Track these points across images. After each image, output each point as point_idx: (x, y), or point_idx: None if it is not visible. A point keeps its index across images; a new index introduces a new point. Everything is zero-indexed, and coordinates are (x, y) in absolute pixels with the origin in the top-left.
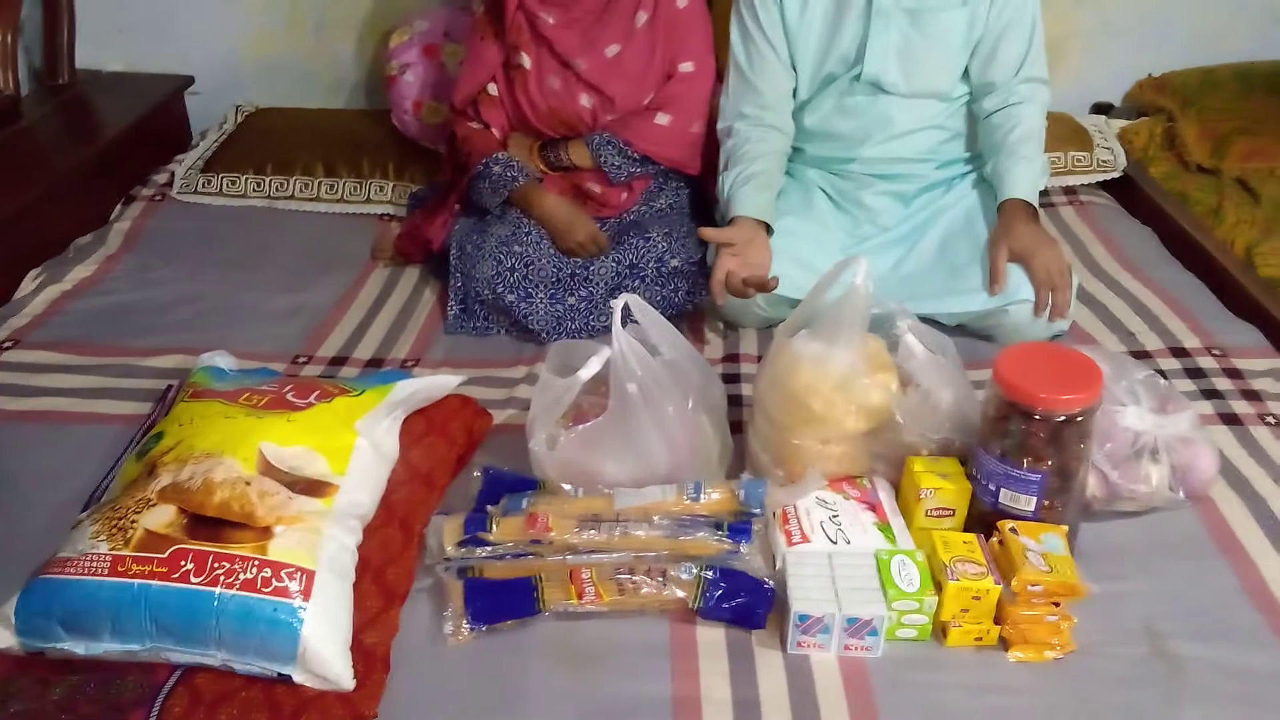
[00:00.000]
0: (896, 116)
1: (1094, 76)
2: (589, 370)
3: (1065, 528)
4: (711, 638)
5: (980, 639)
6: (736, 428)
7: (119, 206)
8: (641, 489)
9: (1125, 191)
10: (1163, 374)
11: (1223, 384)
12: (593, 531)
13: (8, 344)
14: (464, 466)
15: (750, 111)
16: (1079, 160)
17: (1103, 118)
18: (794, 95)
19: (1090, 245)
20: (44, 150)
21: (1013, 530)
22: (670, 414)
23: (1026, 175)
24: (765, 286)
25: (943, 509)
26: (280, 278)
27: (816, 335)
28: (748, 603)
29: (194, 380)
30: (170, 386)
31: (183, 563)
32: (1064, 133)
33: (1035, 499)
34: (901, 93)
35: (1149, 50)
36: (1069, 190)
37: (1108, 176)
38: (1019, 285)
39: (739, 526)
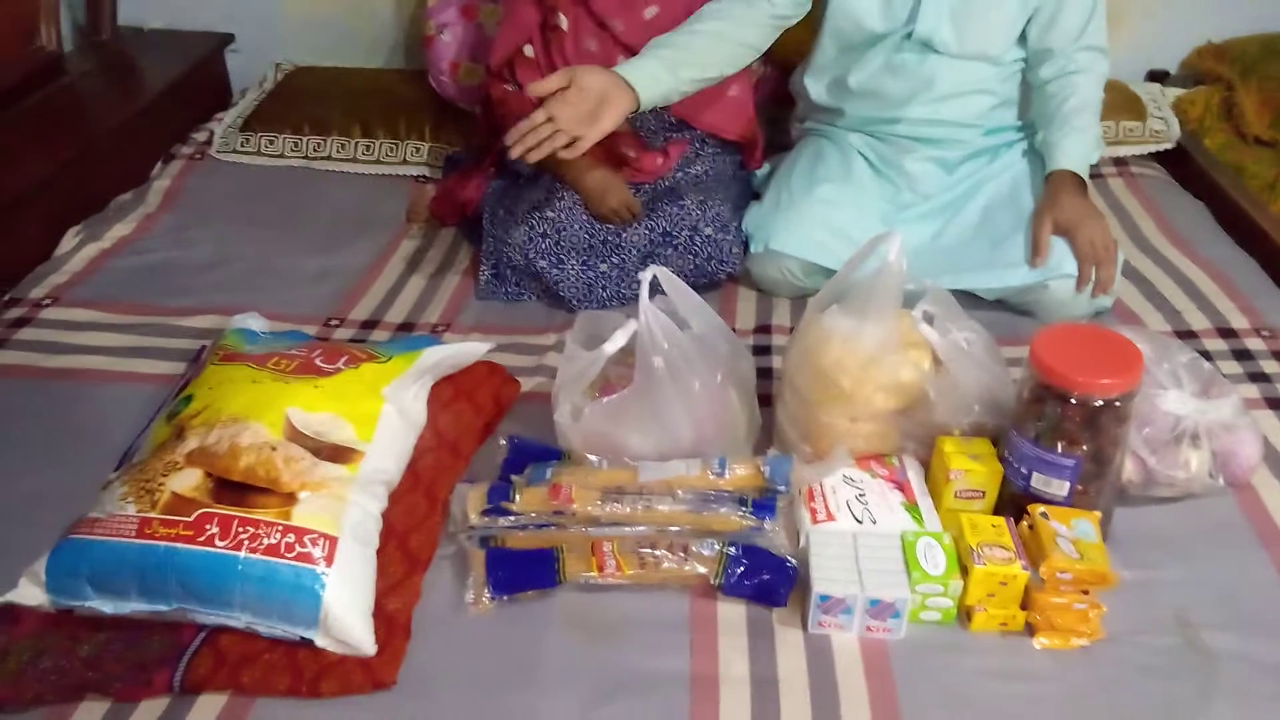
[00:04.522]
0: (945, 77)
1: (1150, 42)
2: (614, 344)
3: (1098, 513)
4: (732, 614)
5: (1006, 624)
6: (766, 401)
7: (159, 164)
8: (666, 462)
9: (1178, 163)
10: (1208, 355)
11: (1271, 367)
12: (616, 504)
13: (47, 301)
14: (490, 434)
15: None
16: (1131, 130)
17: (1158, 86)
18: (782, 23)
19: (1139, 219)
20: (86, 107)
21: (1043, 515)
22: (696, 389)
23: (1078, 146)
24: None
25: (972, 491)
26: (315, 239)
27: (847, 311)
28: (769, 580)
29: (224, 343)
30: (203, 348)
31: (208, 526)
32: (1117, 101)
33: (1068, 484)
34: (952, 53)
35: (1209, 15)
36: (1119, 161)
37: (1160, 147)
38: (1062, 259)
39: (763, 503)
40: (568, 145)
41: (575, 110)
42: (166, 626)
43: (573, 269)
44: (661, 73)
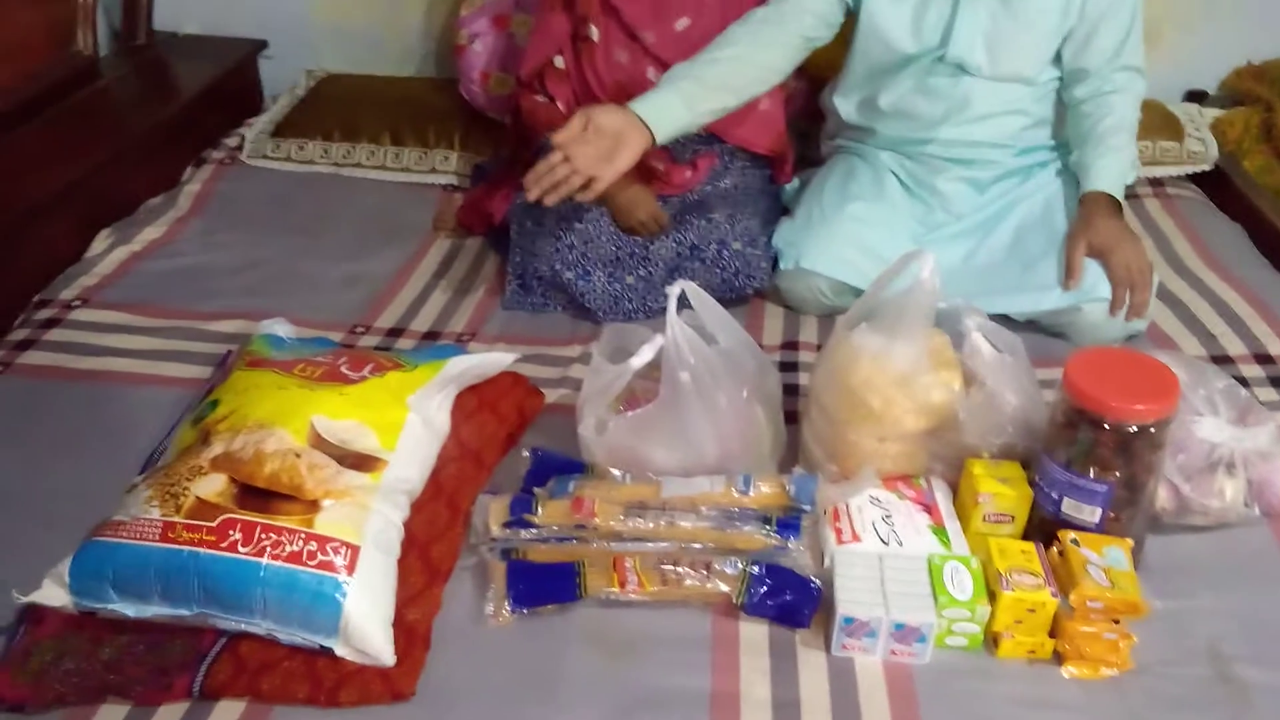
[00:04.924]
0: (978, 98)
1: (1189, 62)
2: (641, 358)
3: (1130, 541)
4: (754, 634)
5: (1033, 651)
6: (792, 418)
7: (190, 168)
8: (690, 478)
9: (1215, 185)
10: (1244, 381)
11: None
12: (638, 519)
13: (76, 303)
14: (514, 445)
15: (760, 13)
16: (1167, 150)
17: (1196, 106)
18: (810, 44)
19: (1175, 241)
20: (120, 111)
21: (1074, 542)
22: (723, 404)
23: (1114, 167)
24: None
25: (1001, 515)
26: (342, 246)
27: (878, 329)
28: (793, 601)
29: (251, 349)
30: (229, 352)
31: (231, 532)
32: (1153, 121)
33: (1100, 510)
34: (985, 75)
35: (1250, 35)
36: (1155, 182)
37: (1197, 169)
38: (1096, 282)
39: (788, 522)
40: (584, 186)
41: (592, 150)
42: (188, 631)
43: (599, 281)
44: (678, 108)
